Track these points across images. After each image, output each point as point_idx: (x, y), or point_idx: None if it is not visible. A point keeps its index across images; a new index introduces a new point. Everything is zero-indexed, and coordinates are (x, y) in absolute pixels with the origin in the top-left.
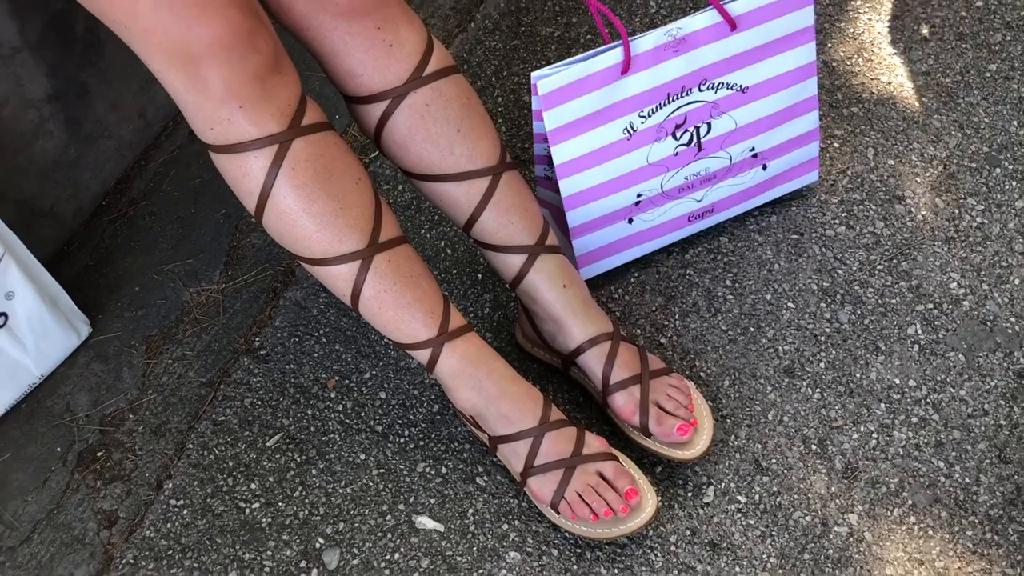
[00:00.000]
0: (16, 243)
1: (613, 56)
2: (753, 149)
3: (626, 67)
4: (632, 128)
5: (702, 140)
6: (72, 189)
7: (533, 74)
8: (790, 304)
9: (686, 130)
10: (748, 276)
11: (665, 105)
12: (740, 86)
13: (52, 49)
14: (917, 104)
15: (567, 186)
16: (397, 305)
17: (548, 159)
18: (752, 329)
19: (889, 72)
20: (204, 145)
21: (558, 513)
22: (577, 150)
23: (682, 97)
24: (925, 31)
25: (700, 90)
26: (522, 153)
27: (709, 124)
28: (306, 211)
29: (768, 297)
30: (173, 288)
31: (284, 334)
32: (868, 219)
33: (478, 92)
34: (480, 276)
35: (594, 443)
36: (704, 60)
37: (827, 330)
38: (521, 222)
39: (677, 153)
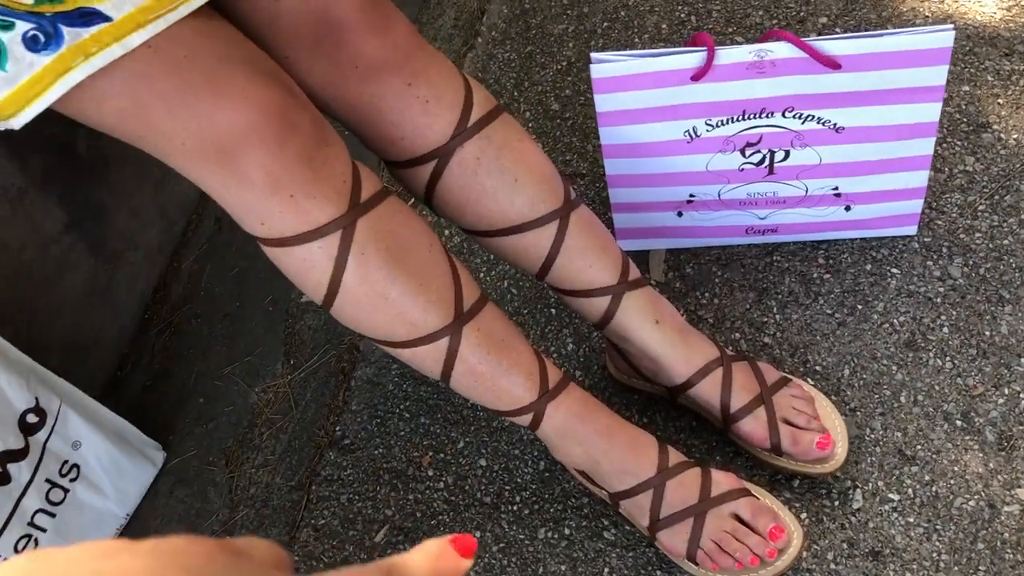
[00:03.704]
0: (70, 390)
1: (687, 60)
2: (836, 189)
3: (699, 76)
4: (695, 133)
5: (775, 165)
6: (111, 311)
7: (593, 55)
8: (894, 269)
9: (758, 151)
10: (841, 248)
11: (739, 120)
12: (834, 124)
13: (59, 178)
14: (979, 17)
15: (612, 166)
16: (494, 375)
17: None
18: (860, 306)
19: None
20: (256, 239)
21: (696, 564)
22: (628, 137)
23: (761, 118)
24: None
25: (784, 116)
26: (565, 167)
27: (787, 152)
28: (384, 296)
29: (868, 267)
30: (238, 391)
31: (364, 417)
32: (956, 157)
33: None
34: (554, 311)
35: (723, 481)
36: (794, 89)
37: (941, 289)
38: (599, 262)
39: (742, 169)
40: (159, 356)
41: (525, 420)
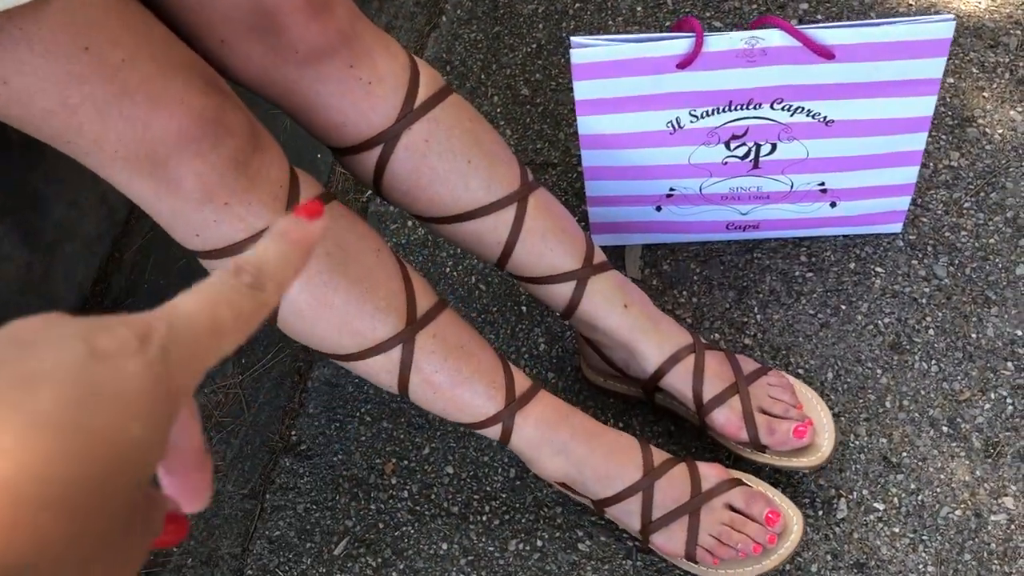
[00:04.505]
0: None
1: (673, 47)
2: (823, 184)
3: (685, 64)
4: (678, 124)
5: (760, 159)
6: (48, 306)
7: (572, 39)
8: (878, 268)
9: (743, 143)
10: (823, 246)
11: (724, 111)
12: (824, 117)
13: None
14: (964, 6)
15: (589, 157)
16: (453, 384)
17: None
18: (843, 307)
19: None
20: (191, 253)
21: (697, 563)
22: (608, 127)
23: (748, 109)
24: None
25: (772, 108)
26: (536, 156)
27: (774, 145)
28: (328, 304)
29: (852, 266)
30: None
31: (322, 421)
32: (941, 151)
33: (469, 96)
34: (525, 308)
35: (711, 473)
36: (784, 79)
37: (926, 290)
38: (561, 246)
39: (726, 163)
40: None
41: (494, 433)
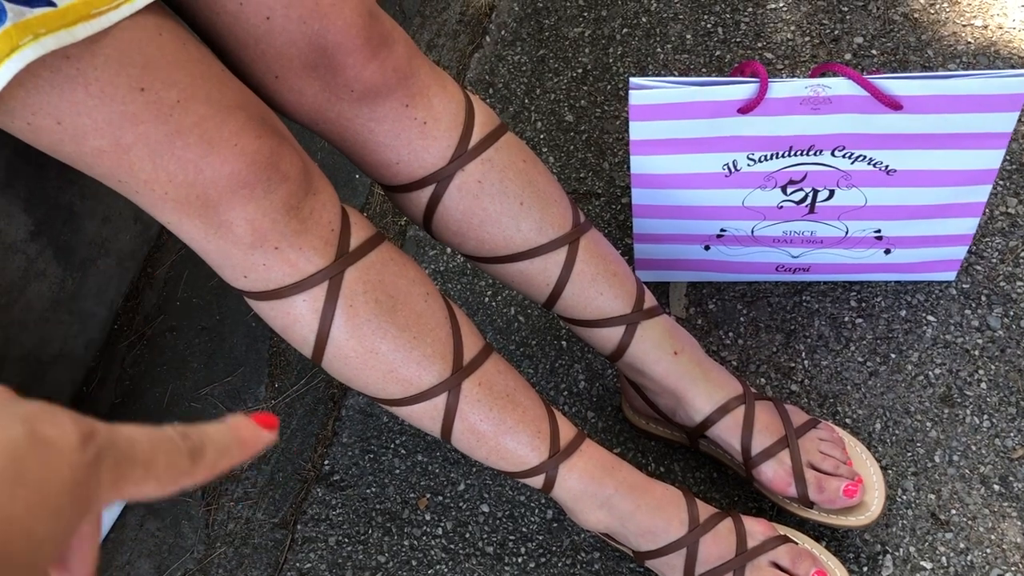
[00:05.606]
0: None
1: (736, 92)
2: (879, 231)
3: (748, 109)
4: (735, 167)
5: (817, 204)
6: (79, 322)
7: (632, 80)
8: (930, 317)
9: (801, 188)
10: (874, 291)
11: (784, 156)
12: (885, 166)
13: (24, 180)
14: (1023, 45)
15: (640, 195)
16: (497, 433)
17: None
18: (893, 355)
19: (983, 14)
20: (238, 292)
21: None
22: (661, 167)
23: (808, 155)
24: None
25: (833, 155)
26: (579, 185)
27: (832, 192)
28: (374, 351)
29: (903, 313)
30: (216, 415)
31: (355, 451)
32: (998, 198)
33: (512, 120)
34: (565, 344)
35: (757, 529)
36: (848, 127)
37: (979, 341)
38: (611, 290)
39: (781, 207)
40: (130, 371)
41: (537, 482)
